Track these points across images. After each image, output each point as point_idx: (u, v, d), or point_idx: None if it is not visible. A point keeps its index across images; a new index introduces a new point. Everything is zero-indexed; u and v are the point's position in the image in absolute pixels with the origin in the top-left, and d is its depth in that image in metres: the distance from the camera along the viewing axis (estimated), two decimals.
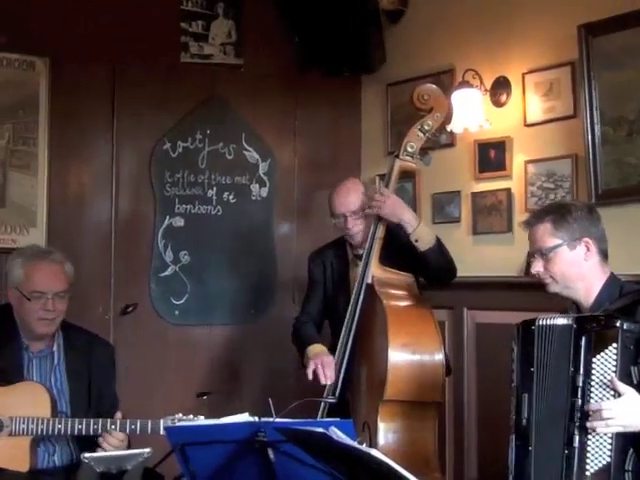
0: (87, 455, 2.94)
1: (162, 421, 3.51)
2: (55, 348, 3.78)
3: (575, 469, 2.83)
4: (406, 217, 3.93)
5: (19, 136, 4.65)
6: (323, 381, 3.93)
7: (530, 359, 3.00)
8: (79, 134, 4.87)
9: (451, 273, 4.06)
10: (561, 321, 2.98)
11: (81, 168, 4.91)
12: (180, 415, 3.53)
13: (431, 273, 4.01)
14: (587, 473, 2.82)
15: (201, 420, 3.48)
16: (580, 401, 2.85)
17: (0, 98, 4.61)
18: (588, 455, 2.83)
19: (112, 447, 3.50)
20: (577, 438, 2.84)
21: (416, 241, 3.89)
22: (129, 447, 3.59)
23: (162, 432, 3.46)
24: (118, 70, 4.94)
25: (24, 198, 4.67)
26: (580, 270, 3.11)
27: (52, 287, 3.66)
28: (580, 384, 2.87)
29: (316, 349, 4.08)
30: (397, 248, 4.01)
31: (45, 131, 4.70)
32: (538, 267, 3.16)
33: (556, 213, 3.15)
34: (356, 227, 4.10)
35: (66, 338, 3.81)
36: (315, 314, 4.33)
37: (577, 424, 2.85)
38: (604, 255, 3.16)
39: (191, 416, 3.53)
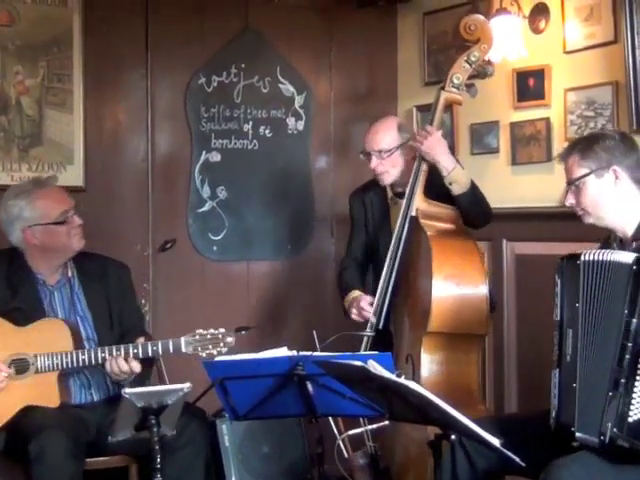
0: (128, 390, 2.98)
1: (183, 339, 3.53)
2: (70, 274, 3.81)
3: (617, 413, 2.77)
4: (442, 160, 3.88)
5: (54, 73, 4.62)
6: (370, 319, 3.97)
7: (575, 295, 2.93)
8: (114, 70, 4.83)
9: (484, 219, 4.03)
10: (618, 258, 2.87)
11: (117, 104, 4.88)
12: (201, 331, 3.54)
13: (464, 216, 3.97)
14: (629, 420, 2.75)
15: (235, 355, 3.50)
16: (631, 346, 2.77)
17: (34, 35, 4.57)
18: (633, 402, 2.75)
19: (114, 372, 3.55)
20: (623, 382, 2.77)
21: (450, 184, 3.87)
22: (164, 382, 3.64)
23: (184, 350, 3.52)
24: (151, 3, 4.87)
25: (61, 136, 4.66)
26: (610, 199, 3.06)
27: (69, 203, 3.76)
28: (632, 329, 2.78)
29: (352, 296, 4.12)
30: (442, 182, 3.98)
31: (80, 67, 4.67)
32: (570, 199, 3.14)
33: (584, 143, 3.12)
34: (380, 167, 4.06)
35: (78, 266, 3.84)
36: (359, 255, 4.33)
37: (626, 369, 2.77)
38: None
39: (212, 330, 3.55)
